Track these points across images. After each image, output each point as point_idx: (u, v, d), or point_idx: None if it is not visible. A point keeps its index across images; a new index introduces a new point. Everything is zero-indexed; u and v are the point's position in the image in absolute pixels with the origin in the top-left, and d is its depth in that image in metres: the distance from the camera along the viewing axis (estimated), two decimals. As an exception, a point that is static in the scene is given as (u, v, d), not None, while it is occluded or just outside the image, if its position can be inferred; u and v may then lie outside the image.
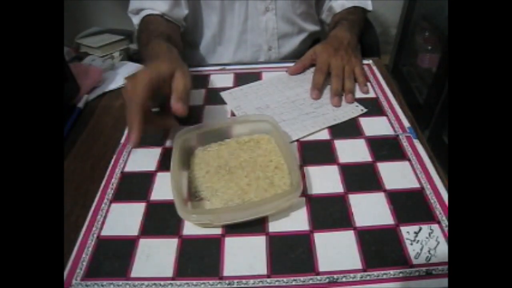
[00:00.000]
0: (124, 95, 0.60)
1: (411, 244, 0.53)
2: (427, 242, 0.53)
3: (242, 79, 0.91)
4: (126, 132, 0.75)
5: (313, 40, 1.26)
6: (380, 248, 0.53)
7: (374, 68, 0.93)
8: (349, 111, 0.77)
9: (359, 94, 0.83)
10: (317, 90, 0.82)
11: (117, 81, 0.95)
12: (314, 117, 0.76)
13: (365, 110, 0.77)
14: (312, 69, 0.90)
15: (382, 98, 0.81)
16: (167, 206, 0.58)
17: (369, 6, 1.10)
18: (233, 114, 0.79)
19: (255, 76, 0.92)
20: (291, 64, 0.94)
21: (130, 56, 1.94)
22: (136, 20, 0.98)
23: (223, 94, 0.85)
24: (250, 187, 0.60)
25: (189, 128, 0.66)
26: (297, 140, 0.71)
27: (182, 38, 1.04)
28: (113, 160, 0.69)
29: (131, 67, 1.02)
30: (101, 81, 0.95)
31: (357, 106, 0.79)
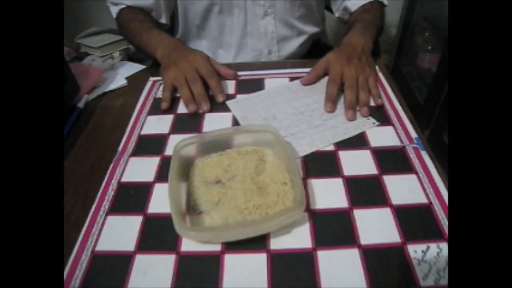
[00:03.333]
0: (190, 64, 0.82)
1: (419, 264, 0.49)
2: (436, 262, 0.49)
3: (244, 85, 0.87)
4: (124, 139, 0.72)
5: (313, 40, 1.22)
6: (385, 267, 0.49)
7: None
8: (360, 124, 0.73)
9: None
10: (331, 102, 0.77)
11: (117, 81, 0.94)
12: (323, 131, 0.71)
13: (376, 123, 0.73)
14: (322, 78, 0.86)
15: (388, 107, 0.77)
16: (165, 220, 0.55)
17: (384, 0, 1.05)
18: (237, 124, 0.74)
19: (258, 83, 0.88)
20: (293, 70, 0.90)
21: (130, 56, 1.93)
22: (114, 10, 1.02)
23: (229, 103, 0.80)
24: (251, 202, 0.56)
25: (188, 138, 0.62)
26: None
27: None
28: (109, 170, 0.65)
29: (131, 67, 1.01)
30: (101, 81, 0.93)
31: (368, 118, 0.74)
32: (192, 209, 0.57)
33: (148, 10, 1.02)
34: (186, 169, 0.63)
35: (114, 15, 1.04)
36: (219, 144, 0.65)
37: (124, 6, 1.01)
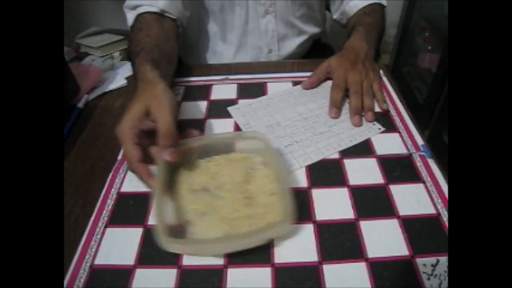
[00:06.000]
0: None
1: (428, 279, 0.47)
2: (446, 277, 0.47)
3: (246, 90, 0.84)
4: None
5: (314, 41, 1.19)
6: (394, 282, 0.47)
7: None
8: (365, 130, 0.70)
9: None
10: (336, 108, 0.74)
11: (117, 81, 0.92)
12: (328, 138, 0.68)
13: (382, 128, 0.70)
14: (324, 83, 0.84)
15: (393, 112, 0.74)
16: (166, 232, 0.53)
17: (383, 1, 1.02)
18: (239, 131, 0.71)
19: (260, 87, 0.84)
20: (296, 74, 0.88)
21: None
22: (131, 15, 0.89)
23: (231, 110, 0.77)
24: (239, 213, 0.54)
25: None
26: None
27: (182, 38, 1.02)
28: (108, 179, 0.62)
29: (131, 67, 0.95)
30: (101, 81, 0.92)
31: (374, 124, 0.71)
32: (177, 218, 0.54)
33: (166, 10, 0.87)
34: (173, 176, 0.60)
35: (130, 22, 0.89)
36: (207, 151, 0.62)
37: (141, 12, 0.86)
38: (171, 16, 0.88)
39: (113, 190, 0.60)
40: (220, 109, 0.77)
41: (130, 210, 0.57)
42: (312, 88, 0.83)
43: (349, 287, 0.46)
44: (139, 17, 0.86)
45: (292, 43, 1.09)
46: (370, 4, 1.00)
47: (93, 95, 0.87)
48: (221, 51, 1.09)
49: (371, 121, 0.72)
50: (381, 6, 1.02)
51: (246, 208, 0.54)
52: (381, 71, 0.87)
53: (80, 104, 0.82)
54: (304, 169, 0.62)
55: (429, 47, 1.99)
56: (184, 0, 0.92)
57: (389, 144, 0.66)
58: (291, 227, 0.51)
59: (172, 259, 0.50)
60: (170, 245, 0.48)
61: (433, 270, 0.48)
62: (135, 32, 0.84)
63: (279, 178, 0.55)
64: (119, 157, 0.67)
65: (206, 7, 0.99)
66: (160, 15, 0.86)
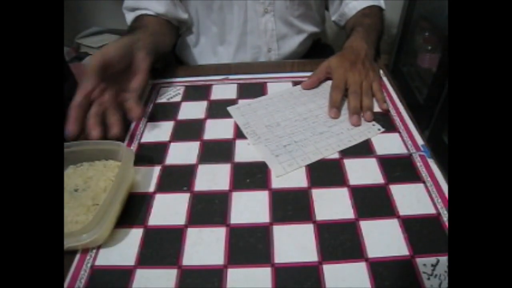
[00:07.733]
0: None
1: (428, 278, 0.47)
2: (446, 277, 0.47)
3: (246, 90, 0.83)
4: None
5: (313, 40, 1.19)
6: (394, 283, 0.46)
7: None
8: (365, 130, 0.70)
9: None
10: (335, 108, 0.74)
11: None
12: (327, 138, 0.68)
13: (382, 129, 0.70)
14: (324, 83, 0.84)
15: (393, 113, 0.74)
16: (166, 232, 0.53)
17: (382, 4, 1.03)
18: (240, 131, 0.71)
19: (260, 87, 0.84)
20: (296, 74, 0.88)
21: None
22: (130, 16, 0.96)
23: (230, 110, 0.77)
24: (78, 217, 0.54)
25: (70, 144, 0.62)
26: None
27: (182, 38, 1.09)
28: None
29: None
30: None
31: (373, 125, 0.71)
32: None
33: (162, 15, 0.94)
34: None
35: (129, 22, 0.97)
36: (93, 155, 0.63)
37: (140, 14, 0.94)
38: (167, 18, 0.95)
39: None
40: (220, 109, 0.77)
41: (131, 209, 0.57)
42: (312, 88, 0.83)
43: (349, 287, 0.46)
44: (139, 17, 0.93)
45: (291, 42, 1.09)
46: (369, 6, 1.00)
47: (93, 95, 0.86)
48: (220, 51, 1.09)
49: (370, 121, 0.71)
50: (380, 9, 1.03)
51: (86, 215, 0.54)
52: (381, 71, 0.86)
53: (80, 104, 0.81)
54: (304, 169, 0.62)
55: (429, 47, 1.99)
56: (179, 5, 0.97)
57: (389, 144, 0.66)
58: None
59: (172, 259, 0.50)
60: None
61: (433, 270, 0.47)
62: (132, 25, 0.93)
63: (112, 189, 0.54)
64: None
65: (205, 7, 0.99)
66: (157, 17, 0.94)
